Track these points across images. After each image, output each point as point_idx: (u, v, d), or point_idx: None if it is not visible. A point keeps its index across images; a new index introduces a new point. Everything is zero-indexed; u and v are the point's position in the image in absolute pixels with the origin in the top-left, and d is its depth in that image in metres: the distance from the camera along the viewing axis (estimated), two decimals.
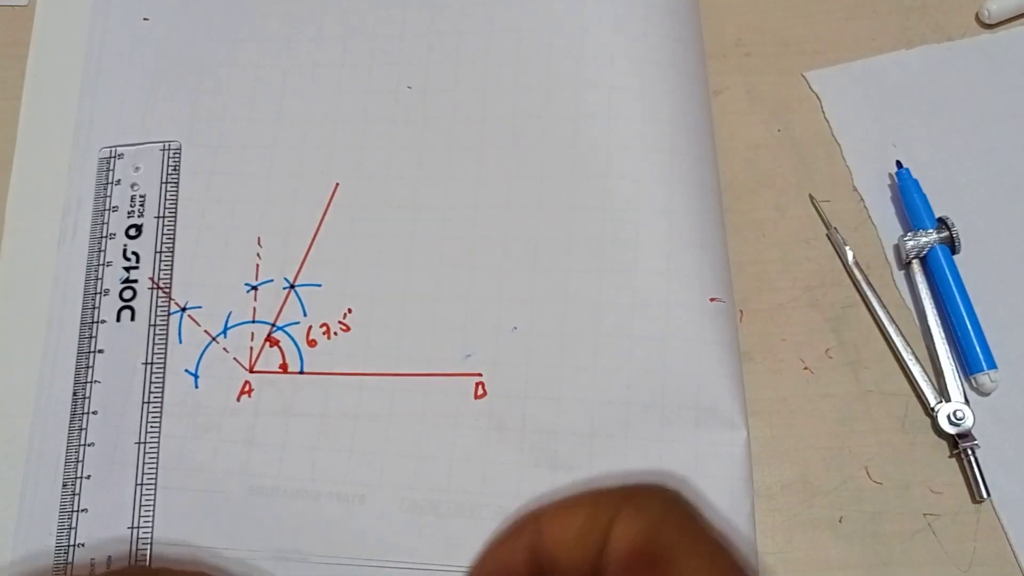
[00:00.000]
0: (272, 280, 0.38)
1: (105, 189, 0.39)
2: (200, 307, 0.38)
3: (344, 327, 0.37)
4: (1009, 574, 0.35)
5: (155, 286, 0.38)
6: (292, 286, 0.38)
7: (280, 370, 0.37)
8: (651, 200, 0.38)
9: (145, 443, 0.36)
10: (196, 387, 0.36)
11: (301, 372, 0.36)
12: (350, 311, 0.37)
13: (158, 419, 0.36)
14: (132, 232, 0.39)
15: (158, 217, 0.39)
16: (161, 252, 0.38)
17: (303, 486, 0.35)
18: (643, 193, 0.38)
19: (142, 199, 0.39)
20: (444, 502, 0.34)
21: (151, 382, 0.36)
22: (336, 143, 0.40)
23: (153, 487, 0.35)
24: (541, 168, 0.39)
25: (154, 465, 0.35)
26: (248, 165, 0.40)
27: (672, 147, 0.39)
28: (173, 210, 0.39)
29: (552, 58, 0.41)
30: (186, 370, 0.37)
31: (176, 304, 0.38)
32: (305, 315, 0.37)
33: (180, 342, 0.37)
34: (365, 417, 0.35)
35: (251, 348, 0.37)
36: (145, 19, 0.43)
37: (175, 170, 0.40)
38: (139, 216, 0.39)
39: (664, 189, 0.38)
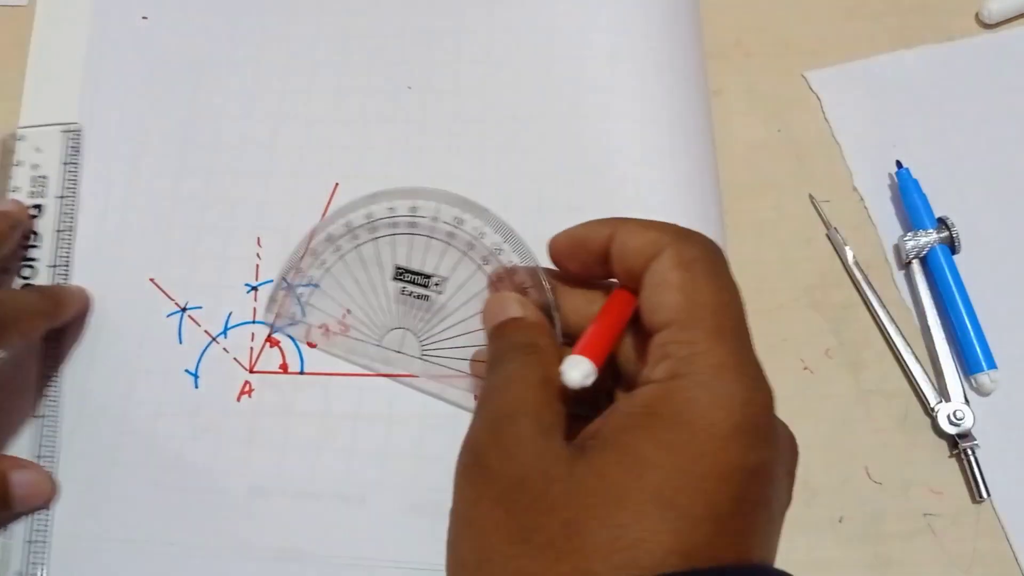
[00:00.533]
0: (272, 280, 0.38)
1: (7, 171, 0.40)
2: (200, 307, 0.38)
3: (343, 327, 0.37)
4: (1009, 574, 0.35)
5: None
6: (292, 286, 0.38)
7: (280, 370, 0.37)
8: (650, 202, 0.38)
9: (45, 416, 0.36)
10: (196, 387, 0.36)
11: (301, 372, 0.36)
12: (348, 311, 0.37)
13: (57, 395, 0.36)
14: (33, 212, 0.39)
15: (59, 197, 0.39)
16: (61, 231, 0.39)
17: (304, 486, 0.35)
18: (642, 194, 0.38)
19: (43, 180, 0.39)
20: (444, 502, 0.34)
21: (48, 356, 0.37)
22: (336, 143, 0.40)
23: (50, 460, 0.35)
24: (540, 169, 0.39)
25: (53, 439, 0.36)
26: (247, 164, 0.40)
27: (671, 148, 0.39)
28: (73, 190, 0.39)
29: (551, 59, 0.41)
30: (186, 370, 0.37)
31: (176, 304, 0.38)
32: (304, 315, 0.37)
33: (180, 342, 0.37)
34: (365, 417, 0.35)
35: (251, 348, 0.37)
36: (144, 18, 0.43)
37: (75, 151, 0.40)
38: (40, 196, 0.39)
39: (663, 191, 0.38)
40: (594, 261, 0.30)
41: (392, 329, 0.36)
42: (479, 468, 0.27)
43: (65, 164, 0.40)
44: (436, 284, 0.36)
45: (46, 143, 0.40)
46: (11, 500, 0.32)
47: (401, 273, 0.36)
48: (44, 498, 0.34)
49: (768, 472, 0.25)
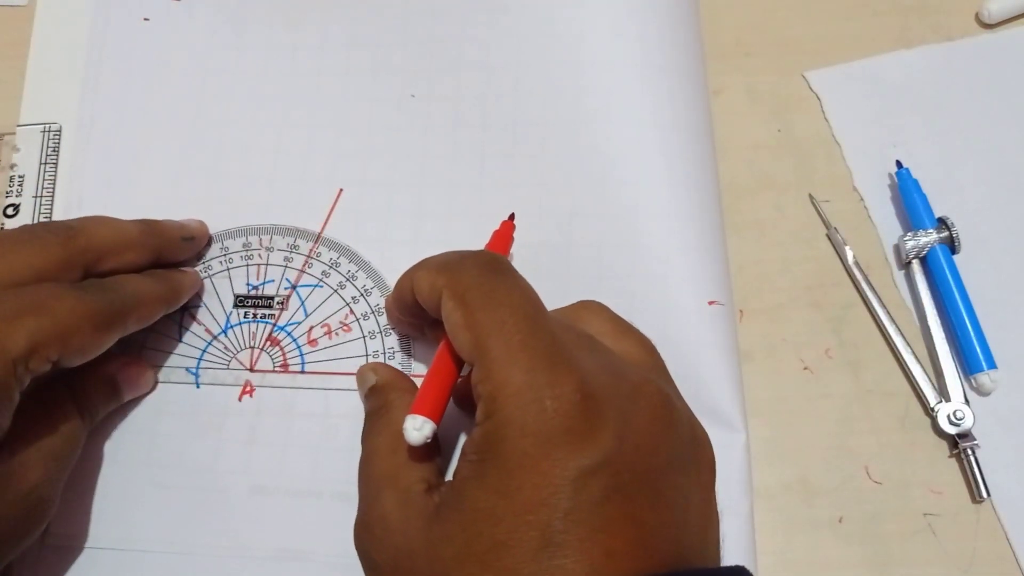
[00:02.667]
0: (274, 280, 0.38)
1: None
2: (201, 306, 0.38)
3: (345, 327, 0.37)
4: (1009, 574, 0.35)
5: None
6: (294, 286, 0.38)
7: (281, 369, 0.37)
8: (649, 205, 0.38)
9: None
10: (197, 387, 0.36)
11: (302, 371, 0.37)
12: (352, 311, 0.37)
13: None
14: (9, 211, 0.39)
15: (36, 197, 0.39)
16: None
17: (305, 486, 0.35)
18: (641, 198, 0.38)
19: (21, 179, 0.40)
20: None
21: None
22: (340, 150, 0.40)
23: None
24: (541, 175, 0.39)
25: None
26: (251, 168, 0.40)
27: (671, 151, 0.39)
28: (51, 190, 0.40)
29: (551, 64, 0.41)
30: (187, 369, 0.37)
31: None
32: (307, 315, 0.37)
33: (181, 341, 0.37)
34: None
35: (252, 348, 0.37)
36: (145, 19, 0.43)
37: (55, 152, 0.40)
38: (17, 196, 0.39)
39: (663, 193, 0.38)
40: (419, 311, 0.30)
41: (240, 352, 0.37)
42: (363, 556, 0.29)
43: (43, 164, 0.40)
44: (279, 303, 0.37)
45: (25, 142, 0.40)
46: (121, 393, 0.35)
47: (241, 300, 0.38)
48: (146, 386, 0.36)
49: (603, 466, 0.24)
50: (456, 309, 0.27)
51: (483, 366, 0.26)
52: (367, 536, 0.28)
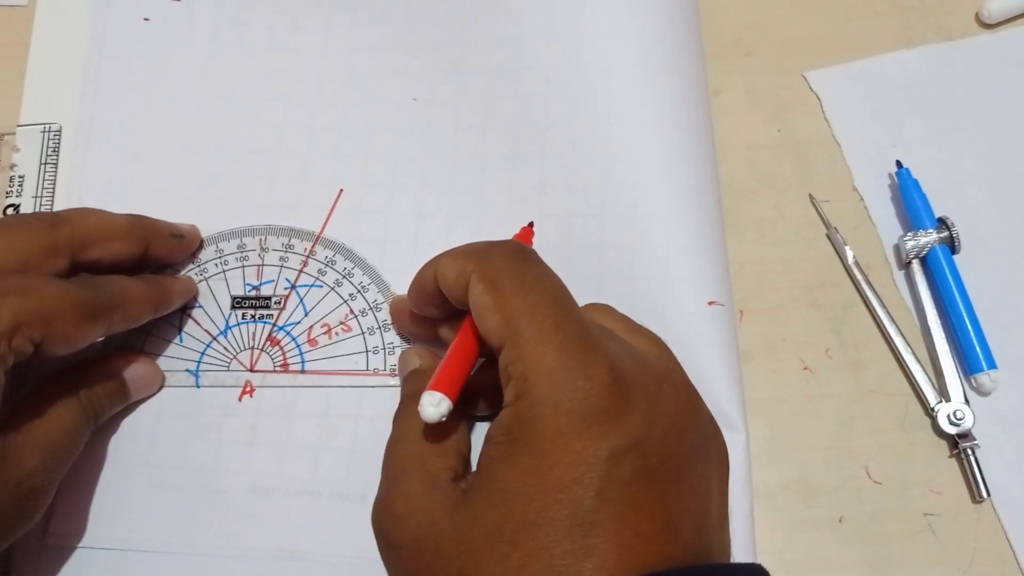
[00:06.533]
0: (273, 280, 0.38)
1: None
2: (201, 306, 0.38)
3: (345, 327, 0.37)
4: (1009, 574, 0.35)
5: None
6: (293, 286, 0.38)
7: (281, 369, 0.37)
8: (649, 206, 0.38)
9: None
10: (197, 387, 0.36)
11: (302, 371, 0.37)
12: (351, 311, 0.37)
13: None
14: (10, 212, 0.39)
15: (36, 197, 0.39)
16: None
17: (304, 486, 0.35)
18: (641, 199, 0.38)
19: (21, 179, 0.40)
20: None
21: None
22: (341, 152, 0.40)
23: None
24: (541, 177, 0.39)
25: None
26: (251, 168, 0.40)
27: (670, 152, 0.39)
28: (51, 190, 0.40)
29: (551, 67, 0.41)
30: (187, 370, 0.37)
31: None
32: (306, 315, 0.37)
33: (181, 341, 0.37)
34: (366, 417, 0.36)
35: (252, 348, 0.37)
36: (146, 19, 0.43)
37: (55, 152, 0.40)
38: (17, 196, 0.39)
39: (662, 194, 0.38)
40: (440, 301, 0.31)
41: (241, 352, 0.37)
42: (382, 535, 0.28)
43: (43, 164, 0.40)
44: (277, 303, 0.37)
45: (25, 142, 0.40)
46: (128, 392, 0.35)
47: (239, 301, 0.38)
48: (154, 387, 0.36)
49: (634, 447, 0.25)
50: (486, 292, 0.27)
51: (514, 347, 0.26)
52: (387, 514, 0.28)
